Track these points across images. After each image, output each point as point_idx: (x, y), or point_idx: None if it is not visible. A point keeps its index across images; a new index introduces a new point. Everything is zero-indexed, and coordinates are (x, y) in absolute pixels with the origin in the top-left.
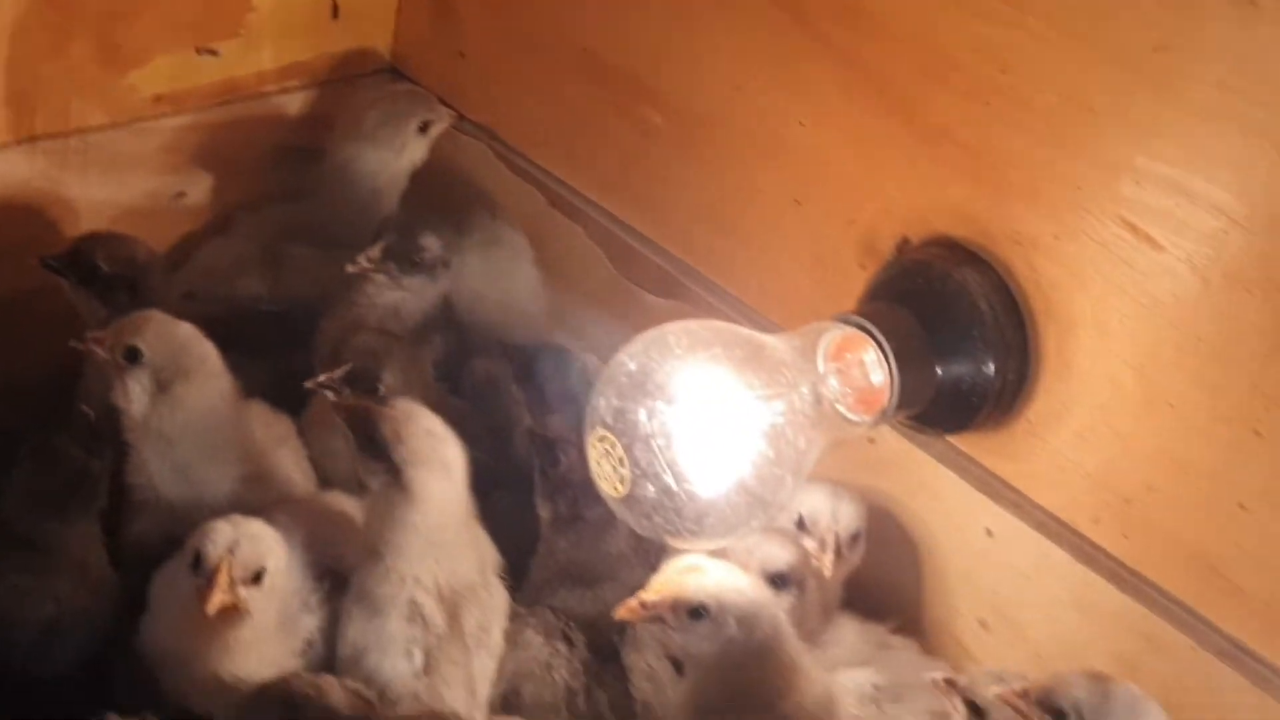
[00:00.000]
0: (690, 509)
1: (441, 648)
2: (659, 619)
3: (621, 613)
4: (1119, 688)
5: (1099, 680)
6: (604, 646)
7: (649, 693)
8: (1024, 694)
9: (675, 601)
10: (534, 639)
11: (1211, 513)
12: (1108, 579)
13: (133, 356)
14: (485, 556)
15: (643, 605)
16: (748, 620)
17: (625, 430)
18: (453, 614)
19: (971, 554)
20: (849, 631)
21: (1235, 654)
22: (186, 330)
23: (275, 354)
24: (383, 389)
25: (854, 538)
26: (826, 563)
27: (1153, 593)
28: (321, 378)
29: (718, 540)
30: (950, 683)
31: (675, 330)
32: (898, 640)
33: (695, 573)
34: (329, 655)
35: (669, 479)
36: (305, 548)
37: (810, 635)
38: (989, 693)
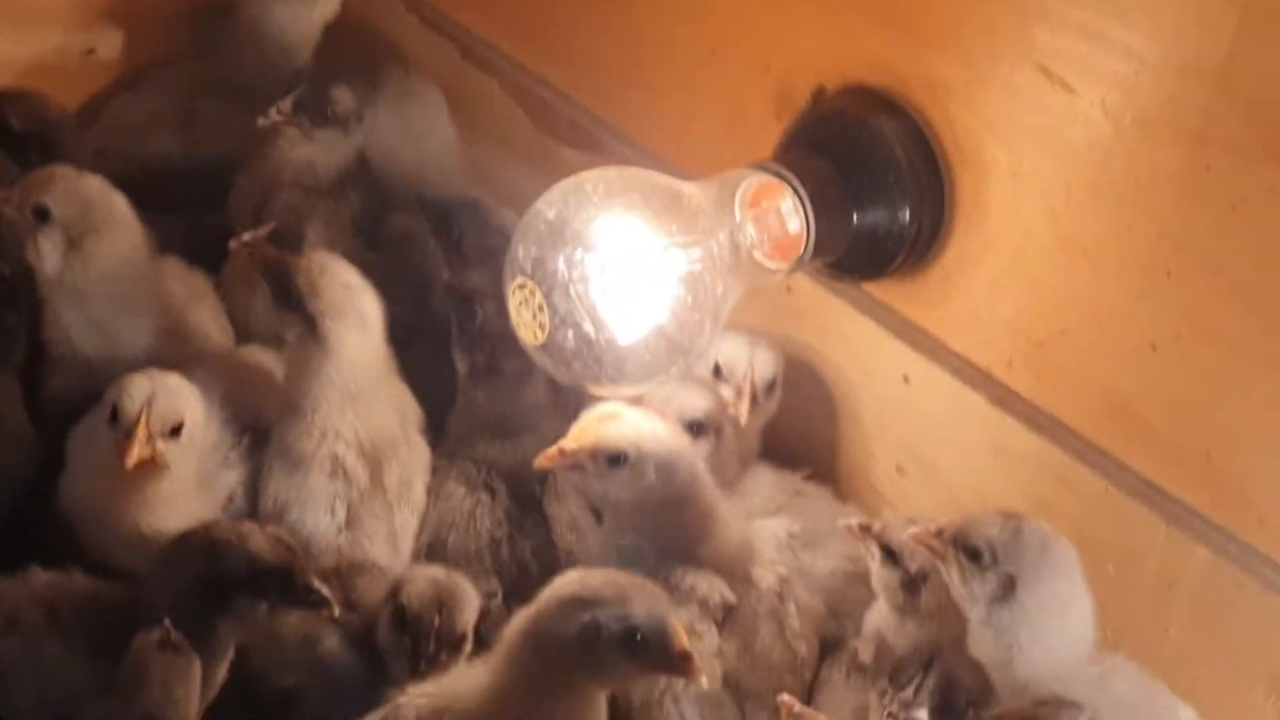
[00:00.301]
0: (610, 356)
1: (363, 502)
2: (579, 467)
3: (541, 461)
4: (1031, 526)
5: (1012, 519)
6: (526, 496)
7: (572, 542)
8: (938, 534)
9: (595, 449)
10: (456, 490)
11: (1123, 354)
12: (1022, 422)
13: (42, 214)
14: (406, 412)
15: (562, 453)
16: (666, 467)
17: (544, 278)
18: (374, 469)
19: (887, 401)
20: (765, 480)
21: (1146, 492)
22: (94, 184)
23: (190, 211)
24: (306, 246)
25: (770, 386)
26: (742, 410)
27: (1066, 435)
28: (245, 237)
29: (637, 387)
30: (864, 528)
31: (593, 178)
32: (813, 488)
33: (614, 420)
34: (251, 511)
35: (588, 326)
36: (224, 403)
37: (727, 483)
38: (903, 536)
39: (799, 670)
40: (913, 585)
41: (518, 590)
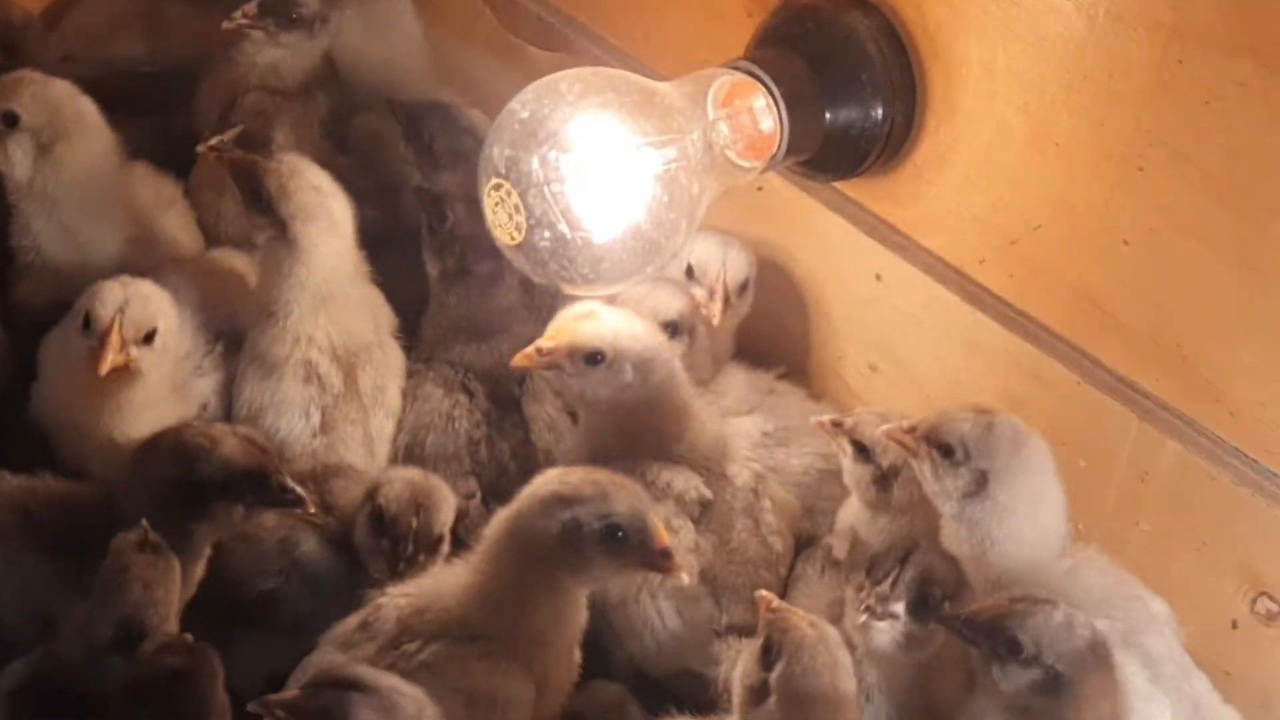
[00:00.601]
0: (585, 255)
1: (338, 407)
2: (556, 366)
3: (518, 360)
4: (1003, 421)
5: (984, 414)
6: (504, 397)
7: (550, 442)
8: (911, 431)
9: (572, 348)
10: (434, 392)
11: (1095, 249)
12: (994, 318)
13: (10, 120)
14: (379, 317)
15: (540, 352)
16: (644, 365)
17: (519, 179)
18: (348, 373)
19: (860, 299)
20: (738, 379)
21: (1118, 387)
22: (62, 88)
23: (157, 116)
24: (275, 149)
25: (742, 286)
26: (715, 310)
27: (1038, 330)
28: (213, 140)
29: (613, 286)
30: (836, 424)
31: (567, 78)
32: (786, 386)
33: (591, 319)
34: (226, 418)
35: (563, 226)
36: (197, 308)
37: (701, 383)
38: (875, 432)
39: (774, 565)
40: (884, 481)
41: (496, 490)
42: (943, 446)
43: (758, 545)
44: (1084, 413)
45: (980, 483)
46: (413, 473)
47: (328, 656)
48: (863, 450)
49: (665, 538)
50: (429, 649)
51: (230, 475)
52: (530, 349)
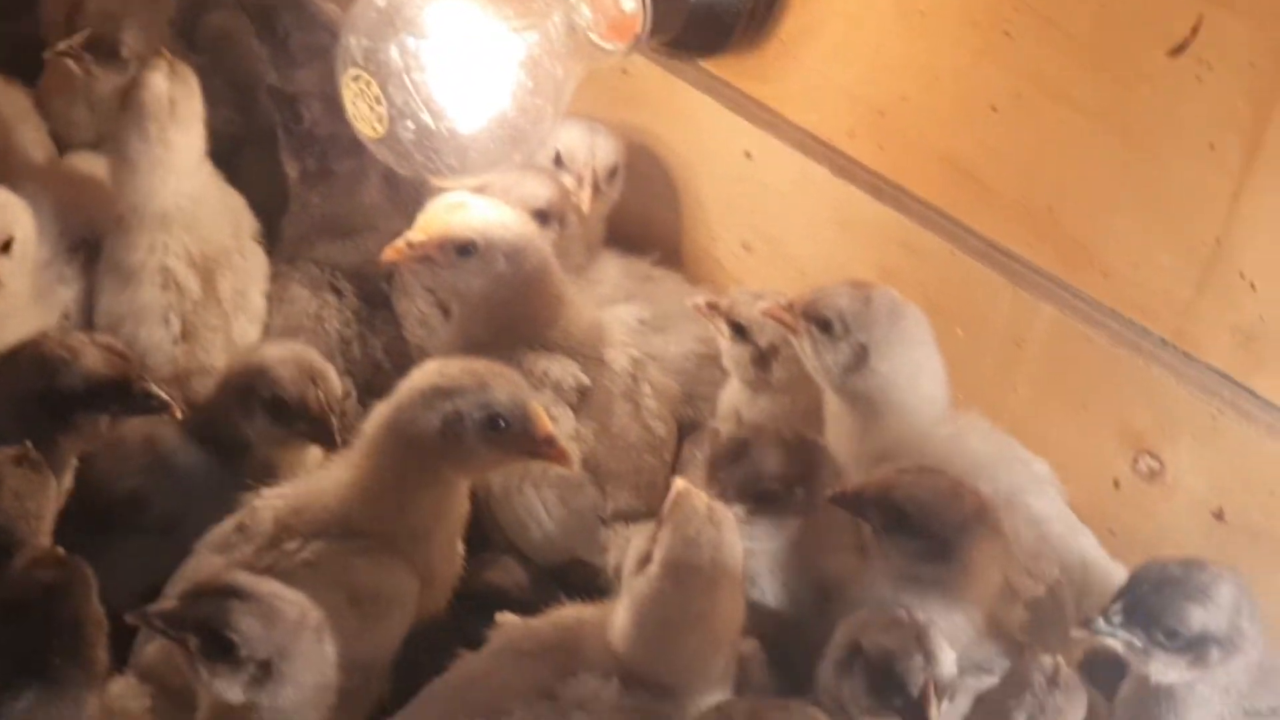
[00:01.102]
0: (451, 145)
1: (198, 313)
2: (427, 259)
3: (388, 255)
4: (880, 294)
5: (861, 288)
6: (373, 294)
7: (423, 337)
8: (788, 308)
9: (443, 240)
10: (300, 293)
11: (963, 117)
12: (866, 191)
13: None
14: (239, 221)
15: (410, 245)
16: (516, 254)
17: (377, 69)
18: (207, 279)
19: (730, 179)
20: (612, 267)
21: (991, 254)
22: None
23: (1, 22)
24: (125, 51)
25: (611, 172)
26: (585, 198)
27: (909, 201)
28: (61, 45)
29: (480, 175)
30: (712, 305)
31: None
32: (661, 272)
33: (461, 210)
34: (88, 327)
35: (426, 116)
36: (55, 216)
37: (574, 271)
38: (752, 311)
39: (657, 449)
40: (764, 360)
41: (371, 388)
42: (821, 322)
43: (639, 430)
44: (959, 281)
45: (860, 356)
46: (278, 350)
47: (205, 561)
48: (740, 330)
49: (548, 425)
50: (309, 548)
51: (92, 386)
52: (400, 242)
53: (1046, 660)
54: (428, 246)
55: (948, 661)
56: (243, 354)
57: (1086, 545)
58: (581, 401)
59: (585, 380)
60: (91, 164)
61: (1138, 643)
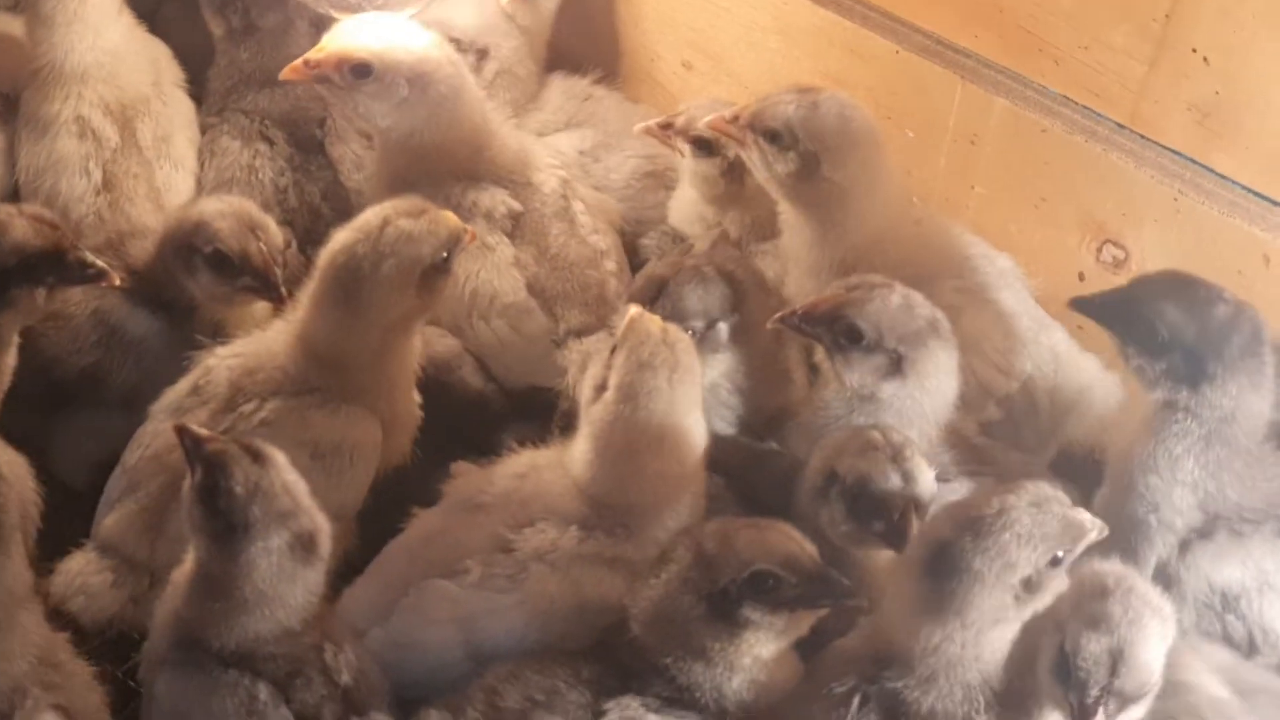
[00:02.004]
0: None
1: (117, 161)
2: (325, 79)
3: (286, 74)
4: (827, 98)
5: (806, 93)
6: (306, 140)
7: (359, 181)
8: (734, 119)
9: (340, 59)
10: (231, 144)
11: None
12: None
13: None
14: (160, 68)
15: (306, 64)
16: (419, 79)
17: None
18: (125, 127)
19: None
20: (555, 91)
21: (938, 50)
22: None
23: None
24: None
25: None
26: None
27: (850, 3)
28: None
29: (408, 6)
30: (665, 125)
31: None
32: (603, 91)
33: (360, 30)
34: (12, 183)
35: None
36: None
37: (515, 104)
38: (700, 125)
39: (598, 262)
40: (734, 170)
41: (312, 236)
42: (769, 133)
43: (578, 246)
44: (906, 82)
45: (811, 164)
46: (215, 204)
47: (160, 425)
48: (704, 145)
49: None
50: (266, 407)
51: (25, 259)
52: (298, 61)
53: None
54: (325, 65)
55: (926, 480)
56: (179, 211)
57: (1057, 339)
58: (516, 228)
59: (516, 206)
60: (8, 24)
61: None
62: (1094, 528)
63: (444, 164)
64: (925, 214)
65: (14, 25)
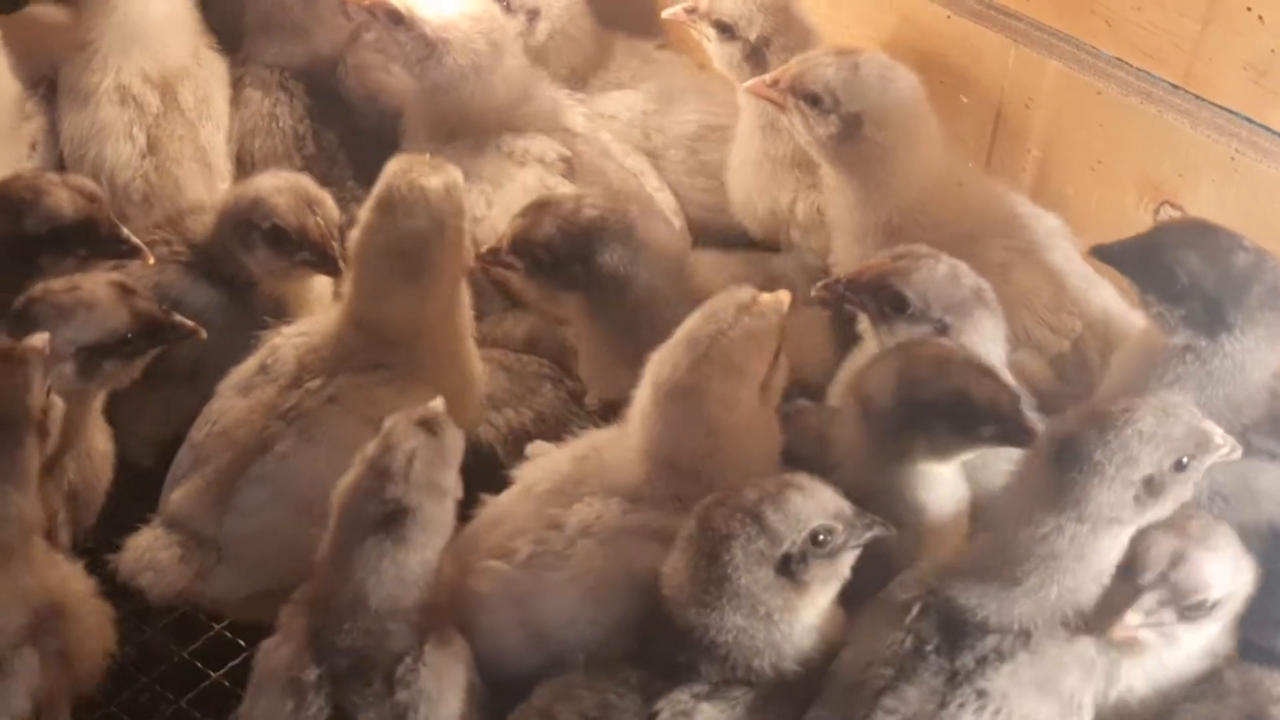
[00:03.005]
0: None
1: (161, 125)
2: (371, 13)
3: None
4: (868, 59)
5: (847, 55)
6: (321, 89)
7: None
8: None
9: (377, 2)
10: (253, 95)
11: None
12: None
13: None
14: (193, 31)
15: None
16: (443, 43)
17: None
18: (167, 93)
19: None
20: (619, 51)
21: (987, 14)
22: None
23: None
24: None
25: None
26: None
27: None
28: None
29: None
30: (690, 10)
31: None
32: (665, 55)
33: None
34: (57, 160)
35: None
36: (16, 55)
37: (571, 65)
38: (730, 5)
39: (642, 184)
40: (756, 54)
41: (329, 181)
42: (809, 96)
43: (625, 175)
44: (959, 47)
45: (853, 125)
46: (272, 180)
47: (228, 402)
48: (725, 28)
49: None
50: (334, 383)
51: (57, 228)
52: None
53: None
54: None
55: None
56: (236, 187)
57: (1107, 297)
58: (570, 171)
59: (565, 150)
60: (56, 14)
61: None
62: (1225, 444)
63: (473, 125)
64: (970, 174)
65: (59, 15)
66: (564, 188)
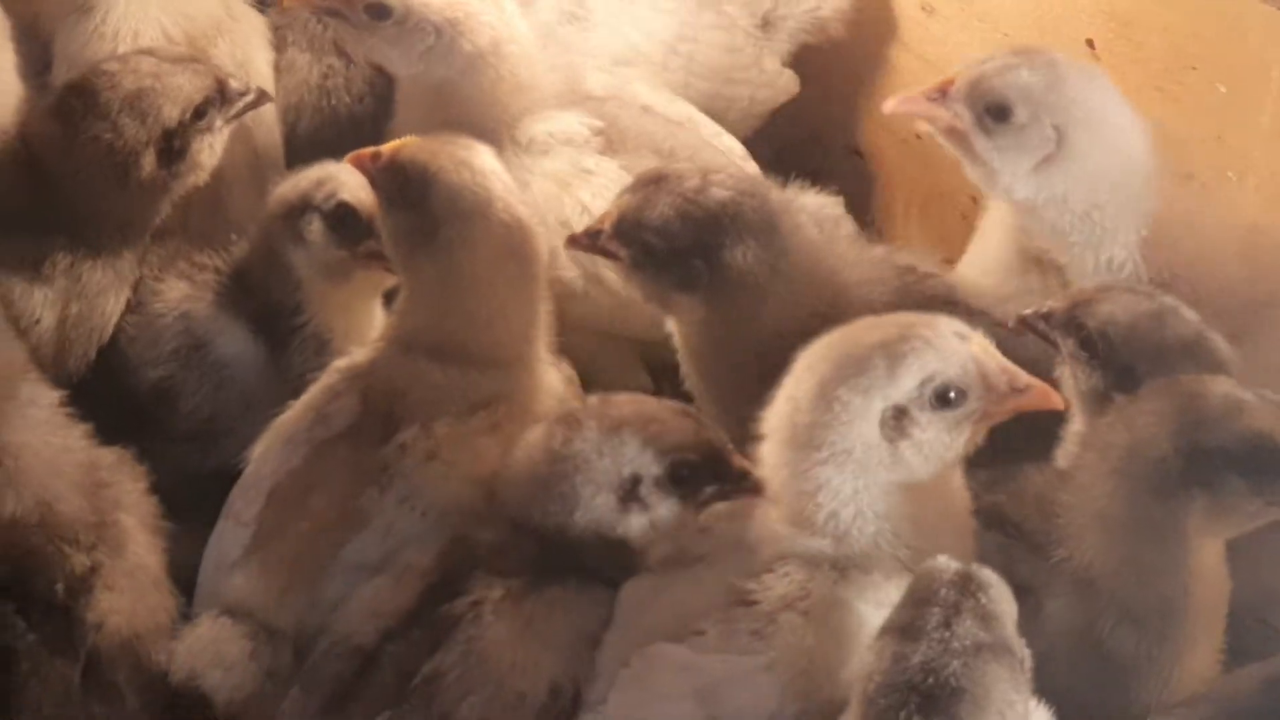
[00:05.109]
0: None
1: None
2: (336, 13)
3: (289, 2)
4: (1059, 58)
5: (1030, 55)
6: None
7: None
8: (941, 92)
9: None
10: (299, 59)
11: None
12: None
13: None
14: None
15: None
16: (452, 25)
17: None
18: (200, 51)
19: None
20: None
21: None
22: None
23: None
24: None
25: None
26: None
27: None
28: None
29: None
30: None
31: None
32: None
33: None
34: None
35: None
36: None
37: None
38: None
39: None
40: None
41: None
42: (995, 107)
43: (671, 128)
44: (1216, 22)
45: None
46: (332, 165)
47: (283, 463)
48: None
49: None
50: (431, 435)
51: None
52: None
53: None
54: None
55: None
56: (287, 177)
57: None
58: (609, 145)
59: (595, 123)
60: None
61: None
62: None
63: (488, 111)
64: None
65: None
66: (606, 166)
